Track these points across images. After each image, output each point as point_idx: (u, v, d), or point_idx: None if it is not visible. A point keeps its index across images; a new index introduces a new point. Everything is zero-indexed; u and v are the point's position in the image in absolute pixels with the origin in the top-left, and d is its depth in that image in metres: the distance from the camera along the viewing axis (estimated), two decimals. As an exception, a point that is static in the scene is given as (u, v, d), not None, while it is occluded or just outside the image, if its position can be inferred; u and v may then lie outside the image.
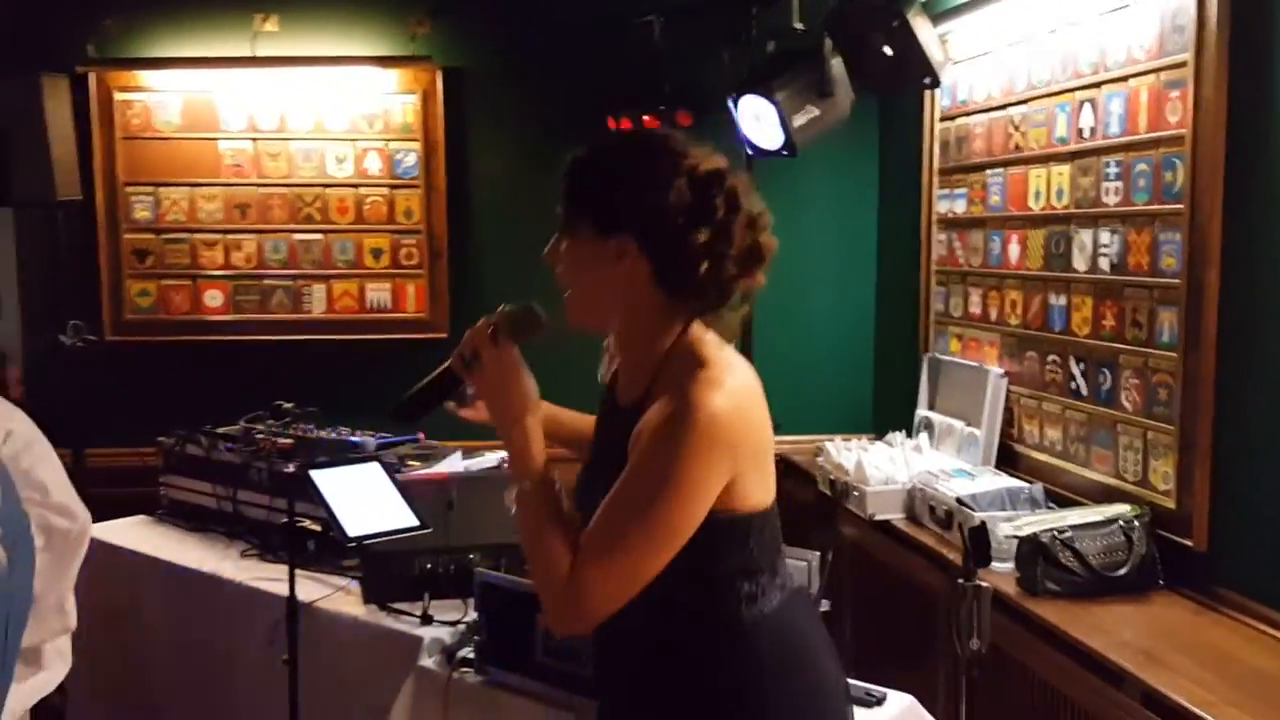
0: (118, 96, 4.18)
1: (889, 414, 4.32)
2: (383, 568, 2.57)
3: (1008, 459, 3.48)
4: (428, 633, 2.44)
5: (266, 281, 4.35)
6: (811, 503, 4.01)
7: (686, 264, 1.57)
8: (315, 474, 2.31)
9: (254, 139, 4.27)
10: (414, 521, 2.35)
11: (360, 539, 2.27)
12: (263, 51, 4.19)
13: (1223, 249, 2.56)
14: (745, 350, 3.79)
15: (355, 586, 2.68)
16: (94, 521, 2.32)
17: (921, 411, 3.95)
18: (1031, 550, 2.74)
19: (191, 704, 3.00)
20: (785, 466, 4.22)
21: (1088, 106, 3.02)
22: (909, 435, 3.89)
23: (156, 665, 3.08)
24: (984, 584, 1.84)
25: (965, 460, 3.56)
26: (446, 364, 1.63)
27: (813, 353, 4.63)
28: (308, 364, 4.25)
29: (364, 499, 2.35)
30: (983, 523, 2.31)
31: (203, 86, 4.22)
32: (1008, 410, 3.49)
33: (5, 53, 3.78)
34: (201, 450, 3.37)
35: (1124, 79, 2.85)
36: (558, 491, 1.56)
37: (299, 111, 4.27)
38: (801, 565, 2.52)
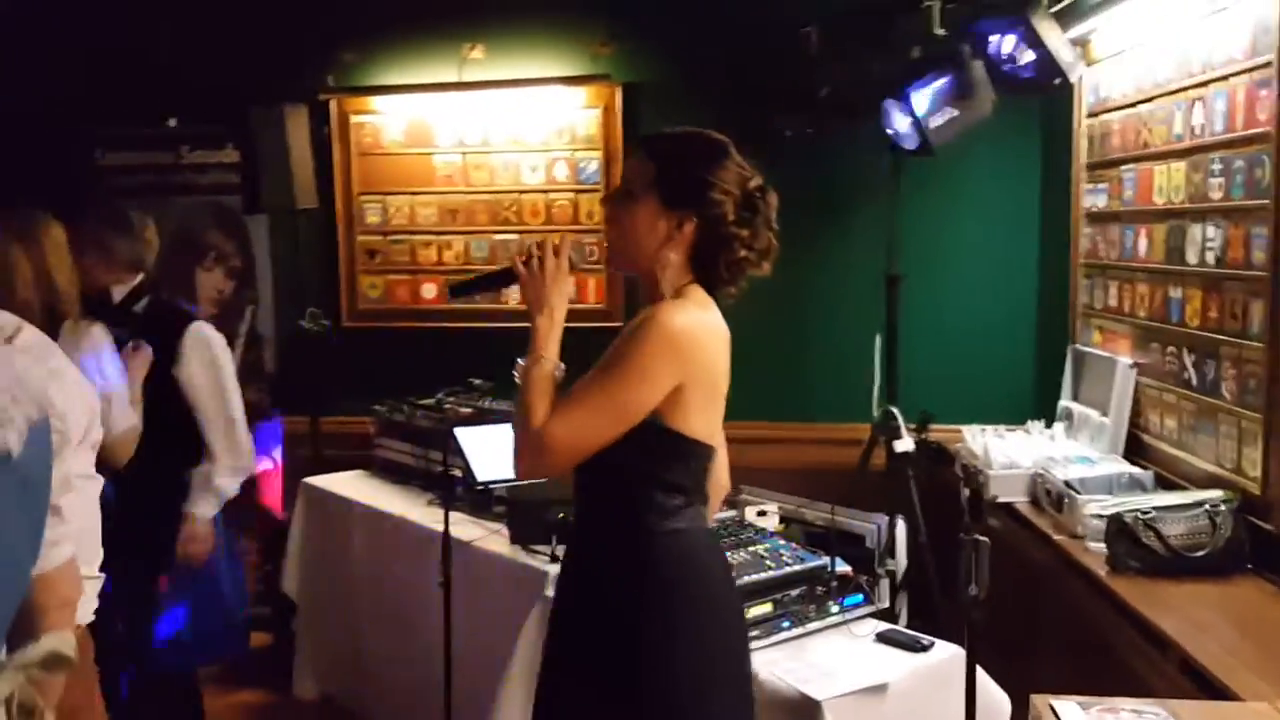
0: (353, 119, 4.91)
1: (1047, 405, 4.42)
2: (524, 515, 3.06)
3: (1136, 447, 3.57)
4: (555, 569, 2.91)
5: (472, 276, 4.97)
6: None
7: (725, 249, 1.96)
8: (459, 430, 2.82)
9: (462, 153, 4.90)
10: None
11: (486, 484, 2.75)
12: (468, 77, 4.81)
13: (1306, 243, 2.63)
14: (892, 344, 4.02)
15: (504, 530, 3.20)
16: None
17: (1064, 401, 4.06)
18: (1116, 529, 2.90)
19: (380, 619, 3.65)
20: (939, 454, 4.41)
21: (1199, 105, 3.10)
22: (1048, 425, 4.02)
23: (358, 588, 3.75)
24: (981, 539, 2.09)
25: (1096, 448, 3.67)
26: (505, 266, 2.05)
27: (973, 345, 4.74)
28: (503, 347, 4.82)
29: (501, 454, 2.84)
30: (979, 487, 2.53)
31: (421, 109, 4.89)
32: (1137, 400, 3.58)
33: (257, 86, 4.55)
34: (404, 417, 4.02)
35: (1225, 78, 2.93)
36: (556, 375, 1.94)
37: (499, 127, 4.86)
38: (871, 528, 2.81)
